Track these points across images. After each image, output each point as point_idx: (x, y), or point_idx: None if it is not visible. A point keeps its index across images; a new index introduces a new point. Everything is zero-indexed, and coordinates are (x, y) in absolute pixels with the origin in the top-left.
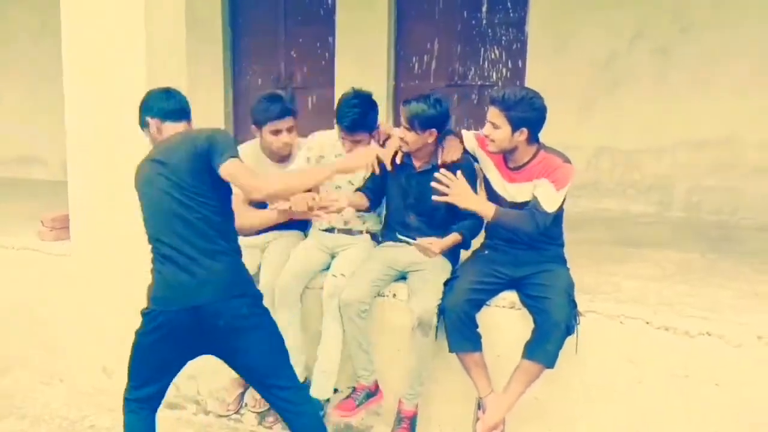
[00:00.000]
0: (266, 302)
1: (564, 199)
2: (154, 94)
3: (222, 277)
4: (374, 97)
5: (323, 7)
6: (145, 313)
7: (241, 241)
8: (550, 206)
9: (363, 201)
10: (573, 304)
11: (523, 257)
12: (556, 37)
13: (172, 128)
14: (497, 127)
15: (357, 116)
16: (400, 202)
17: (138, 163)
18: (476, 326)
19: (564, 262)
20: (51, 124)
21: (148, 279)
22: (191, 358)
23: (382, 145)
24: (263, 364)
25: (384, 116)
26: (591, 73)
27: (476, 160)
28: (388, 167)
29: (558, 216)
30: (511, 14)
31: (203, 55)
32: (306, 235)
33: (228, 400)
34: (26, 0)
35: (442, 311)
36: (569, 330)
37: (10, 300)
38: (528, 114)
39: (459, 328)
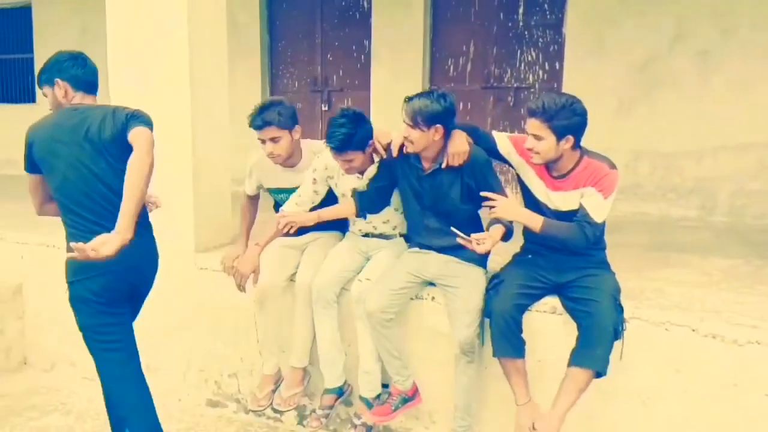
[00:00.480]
0: (303, 301)
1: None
2: (68, 58)
3: None
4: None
5: (359, 10)
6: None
7: (282, 242)
8: (599, 216)
9: (345, 210)
10: (620, 309)
11: (567, 262)
12: (594, 39)
13: (81, 98)
14: (541, 139)
15: (344, 136)
16: (416, 205)
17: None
18: (521, 331)
19: (608, 266)
20: None
21: (192, 279)
22: None
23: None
24: None
25: None
26: (629, 75)
27: (506, 162)
28: (394, 153)
29: (602, 232)
30: (549, 16)
31: (241, 59)
32: (344, 236)
33: (259, 396)
34: (67, 5)
35: (488, 315)
36: (616, 335)
37: (56, 297)
38: (571, 120)
39: (505, 334)
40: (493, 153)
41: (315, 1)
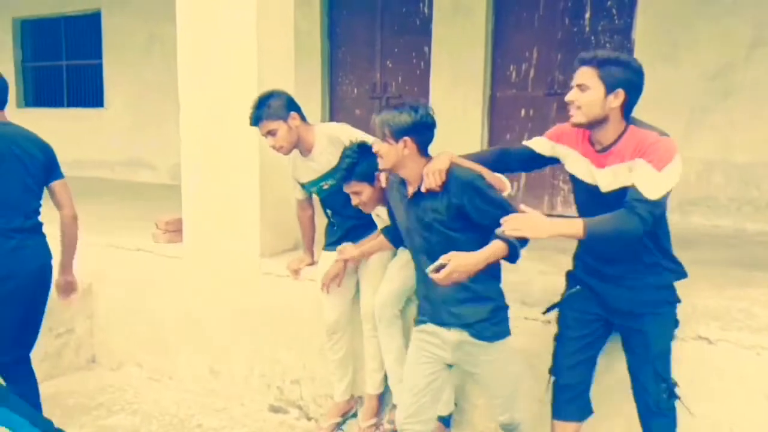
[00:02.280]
0: (371, 328)
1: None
2: None
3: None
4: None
5: (420, 17)
6: None
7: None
8: (652, 191)
9: (384, 244)
10: (662, 378)
11: (619, 298)
12: (666, 44)
13: None
14: (586, 89)
15: (347, 165)
16: (409, 243)
17: None
18: (589, 389)
19: (672, 295)
20: (158, 130)
21: (256, 284)
22: None
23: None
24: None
25: (479, 125)
26: (702, 82)
27: (552, 161)
28: (381, 179)
29: (662, 216)
30: (617, 21)
31: (301, 66)
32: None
33: (324, 425)
34: (135, 13)
35: (552, 372)
36: (659, 404)
37: (123, 298)
38: (625, 74)
39: (570, 398)
40: (538, 160)
41: (375, 8)
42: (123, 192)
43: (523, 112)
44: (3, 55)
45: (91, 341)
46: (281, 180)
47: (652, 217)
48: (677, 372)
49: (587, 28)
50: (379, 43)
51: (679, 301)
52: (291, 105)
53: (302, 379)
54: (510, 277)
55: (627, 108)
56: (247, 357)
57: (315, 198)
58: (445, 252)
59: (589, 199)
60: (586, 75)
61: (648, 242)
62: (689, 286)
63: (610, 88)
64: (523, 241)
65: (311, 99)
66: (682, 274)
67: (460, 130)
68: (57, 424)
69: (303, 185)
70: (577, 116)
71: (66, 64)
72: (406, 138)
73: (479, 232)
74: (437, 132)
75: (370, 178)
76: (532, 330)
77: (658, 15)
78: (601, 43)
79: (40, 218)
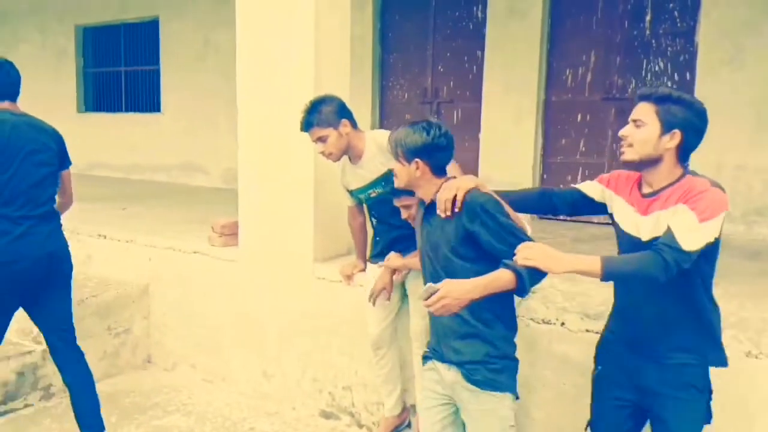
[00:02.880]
0: (418, 342)
1: (713, 242)
2: None
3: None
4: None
5: (473, 21)
6: None
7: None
8: (687, 241)
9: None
10: None
11: (645, 373)
12: (731, 47)
13: (7, 104)
14: (641, 125)
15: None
16: (421, 261)
17: None
18: None
19: (700, 379)
20: (211, 135)
21: (310, 288)
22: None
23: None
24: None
25: (533, 130)
26: None
27: (601, 209)
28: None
29: (707, 271)
30: (679, 24)
31: (353, 71)
32: None
33: None
34: (191, 19)
35: None
36: None
37: (179, 299)
38: (685, 115)
39: None
40: (586, 204)
41: (428, 13)
42: (178, 195)
43: (579, 117)
44: (66, 62)
45: (147, 341)
46: (335, 185)
47: (678, 268)
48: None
49: (648, 31)
50: (431, 47)
51: (709, 390)
52: (342, 111)
53: (354, 386)
54: (568, 287)
55: (683, 151)
56: (300, 361)
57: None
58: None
59: (630, 250)
60: (643, 111)
61: (689, 312)
62: (759, 297)
63: (666, 128)
64: (536, 275)
65: (362, 103)
66: (721, 361)
67: (514, 135)
68: (114, 423)
69: (351, 192)
70: (628, 153)
71: (125, 70)
72: (418, 160)
73: (486, 265)
74: (492, 137)
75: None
76: (591, 342)
77: (722, 18)
78: (663, 46)
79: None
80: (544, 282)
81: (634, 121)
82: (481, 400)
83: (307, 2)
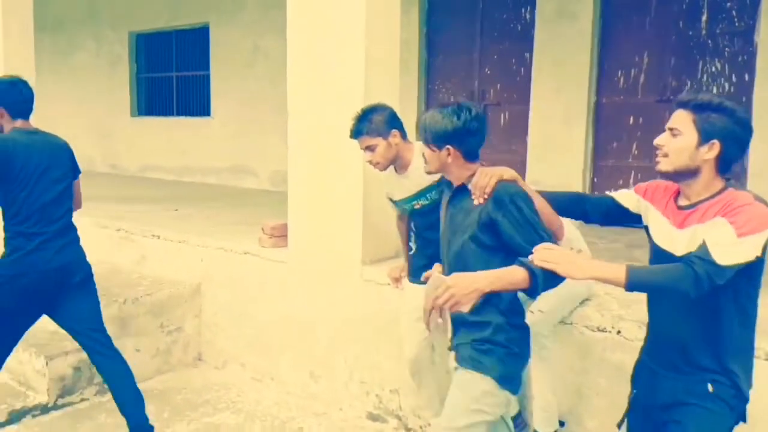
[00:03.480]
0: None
1: (755, 261)
2: (5, 85)
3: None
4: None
5: (521, 22)
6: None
7: (415, 291)
8: (723, 255)
9: None
10: None
11: (665, 385)
12: None
13: (19, 123)
14: (678, 134)
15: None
16: (441, 246)
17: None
18: None
19: (728, 390)
20: (260, 138)
21: (358, 291)
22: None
23: None
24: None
25: (583, 132)
26: None
27: (636, 220)
28: None
29: (745, 294)
30: (737, 23)
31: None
32: None
33: None
34: (241, 26)
35: None
36: None
37: (230, 299)
38: (725, 124)
39: None
40: (620, 214)
41: (475, 16)
42: (228, 197)
43: (631, 119)
44: (120, 68)
45: (198, 340)
46: (383, 188)
47: (710, 283)
48: None
49: (704, 31)
50: (478, 50)
51: (741, 409)
52: (393, 121)
53: (402, 389)
54: (625, 294)
55: (724, 163)
56: (348, 363)
57: None
58: (460, 266)
59: (663, 261)
60: (680, 119)
61: (711, 335)
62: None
63: (705, 138)
64: (551, 278)
65: (407, 107)
66: (739, 413)
67: (564, 137)
68: (167, 419)
69: (395, 203)
70: (663, 163)
71: (176, 75)
72: (449, 147)
73: (502, 258)
74: (540, 140)
75: None
76: None
77: None
78: (720, 47)
79: (72, 218)
80: (599, 288)
81: (671, 129)
82: (458, 375)
83: (358, 8)
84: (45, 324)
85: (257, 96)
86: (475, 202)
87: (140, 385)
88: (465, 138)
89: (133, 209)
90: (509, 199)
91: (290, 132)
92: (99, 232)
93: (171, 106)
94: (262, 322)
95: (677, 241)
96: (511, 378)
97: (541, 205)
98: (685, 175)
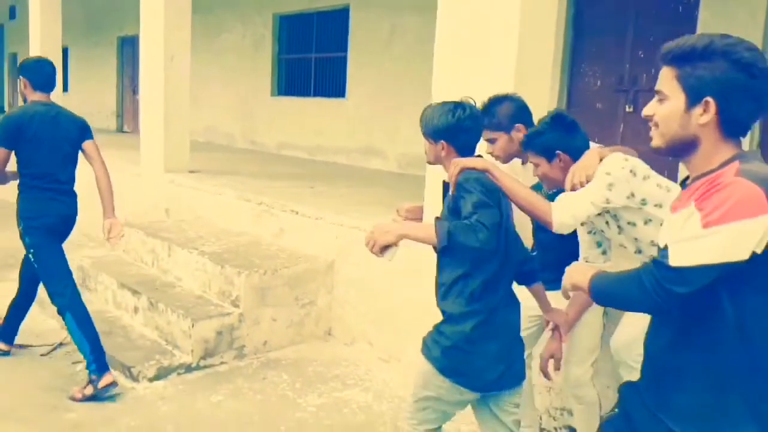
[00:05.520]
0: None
1: (745, 262)
2: (31, 62)
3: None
4: None
5: (682, 3)
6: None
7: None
8: (678, 254)
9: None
10: None
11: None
12: None
13: (39, 95)
14: (663, 99)
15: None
16: None
17: (21, 112)
18: None
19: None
20: (390, 120)
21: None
22: None
23: None
24: None
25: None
26: None
27: None
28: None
29: (751, 310)
30: None
31: None
32: None
33: None
34: (380, 6)
35: None
36: None
37: (361, 278)
38: (719, 73)
39: None
40: None
41: None
42: (359, 177)
43: None
44: (263, 49)
45: (329, 315)
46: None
47: (665, 295)
48: None
49: None
50: (632, 31)
51: None
52: (519, 115)
53: (535, 386)
54: None
55: (728, 124)
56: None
57: None
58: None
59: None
60: (663, 78)
61: (704, 371)
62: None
63: (693, 97)
64: (462, 234)
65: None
66: None
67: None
68: (299, 389)
69: None
70: (655, 137)
71: (315, 57)
72: (443, 141)
73: None
74: None
75: (549, 154)
76: None
77: None
78: None
79: (75, 186)
80: None
81: (657, 93)
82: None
83: None
84: (192, 288)
85: (391, 77)
86: (450, 191)
87: (275, 353)
88: (458, 134)
89: (272, 185)
90: (463, 183)
91: None
92: (242, 204)
93: (308, 87)
94: (392, 303)
95: (663, 231)
96: (458, 372)
97: (517, 192)
98: (681, 148)
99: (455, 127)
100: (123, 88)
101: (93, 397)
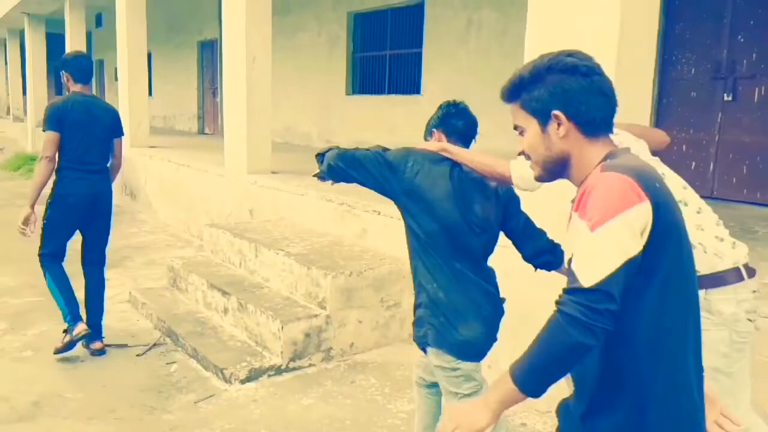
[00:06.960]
0: None
1: (637, 257)
2: (71, 58)
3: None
4: None
5: None
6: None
7: None
8: (586, 273)
9: None
10: None
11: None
12: None
13: (79, 86)
14: (523, 131)
15: None
16: None
17: (63, 101)
18: None
19: None
20: None
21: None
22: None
23: None
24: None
25: None
26: None
27: None
28: None
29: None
30: None
31: None
32: None
33: None
34: (452, 1)
35: None
36: None
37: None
38: (548, 89)
39: None
40: None
41: None
42: None
43: None
44: (338, 47)
45: (413, 318)
46: None
47: (601, 319)
48: None
49: None
50: (730, 14)
51: None
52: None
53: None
54: None
55: (584, 125)
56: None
57: None
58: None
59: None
60: (513, 115)
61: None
62: None
63: (542, 117)
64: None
65: (641, 81)
66: None
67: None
68: (388, 393)
69: None
70: (533, 169)
71: (389, 54)
72: (434, 130)
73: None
74: None
75: None
76: None
77: None
78: None
79: (108, 164)
80: None
81: (516, 129)
82: None
83: None
84: (279, 289)
85: (467, 73)
86: None
87: (361, 356)
88: (446, 121)
89: (350, 185)
90: None
91: None
92: (324, 205)
93: (383, 84)
94: None
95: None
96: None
97: (473, 158)
98: (558, 169)
99: (443, 116)
100: (203, 91)
101: (70, 345)
